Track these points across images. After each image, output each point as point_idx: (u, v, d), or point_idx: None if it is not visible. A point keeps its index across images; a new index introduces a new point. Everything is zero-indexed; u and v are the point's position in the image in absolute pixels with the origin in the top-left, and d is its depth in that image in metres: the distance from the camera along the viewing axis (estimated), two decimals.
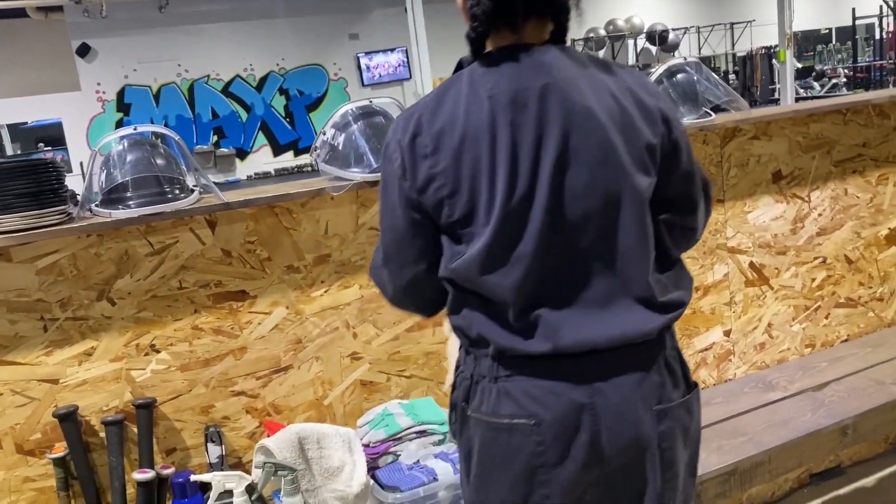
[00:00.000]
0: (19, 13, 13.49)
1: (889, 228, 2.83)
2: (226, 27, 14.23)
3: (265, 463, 1.64)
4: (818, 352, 2.75)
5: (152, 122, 14.46)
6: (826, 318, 2.76)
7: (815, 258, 2.70)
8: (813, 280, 2.71)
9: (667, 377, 1.21)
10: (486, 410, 1.18)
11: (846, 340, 2.81)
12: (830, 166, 2.67)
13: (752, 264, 2.58)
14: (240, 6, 14.07)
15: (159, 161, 1.80)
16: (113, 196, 1.76)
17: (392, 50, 15.25)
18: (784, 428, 2.22)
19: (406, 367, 2.10)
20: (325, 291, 1.98)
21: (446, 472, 1.76)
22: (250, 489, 1.66)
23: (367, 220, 2.00)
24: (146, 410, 1.80)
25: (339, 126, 1.95)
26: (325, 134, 1.95)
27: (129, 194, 1.75)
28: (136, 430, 1.81)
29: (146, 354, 1.82)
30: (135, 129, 1.81)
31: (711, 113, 2.35)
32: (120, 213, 1.72)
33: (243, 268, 1.89)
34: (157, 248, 1.80)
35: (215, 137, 15.24)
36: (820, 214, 2.68)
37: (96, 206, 1.77)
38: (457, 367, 1.28)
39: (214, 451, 1.87)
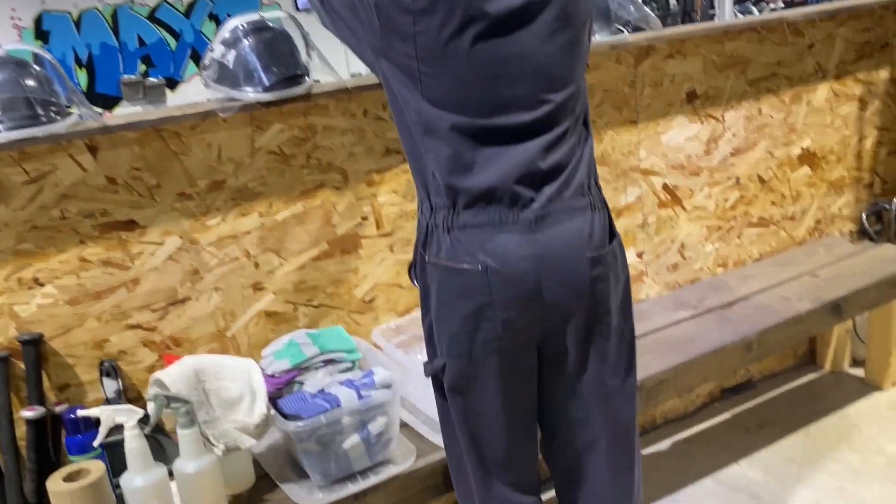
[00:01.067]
0: None
1: (802, 148, 2.86)
2: None
3: (156, 395, 1.59)
4: (730, 271, 2.80)
5: (74, 52, 13.77)
6: (738, 237, 2.80)
7: (729, 178, 2.72)
8: (726, 200, 2.73)
9: (597, 226, 1.37)
10: (443, 256, 1.36)
11: (758, 260, 2.87)
12: (745, 85, 2.66)
13: (665, 186, 2.58)
14: None
15: (30, 82, 1.67)
16: None
17: None
18: (690, 345, 2.26)
19: (314, 296, 2.06)
20: (222, 220, 1.90)
21: (350, 399, 1.74)
22: (144, 422, 1.61)
23: (264, 143, 1.92)
24: (32, 346, 1.73)
25: (228, 42, 1.83)
26: (213, 51, 1.84)
27: None
28: (23, 366, 1.73)
29: (30, 288, 1.73)
30: None
31: (624, 30, 2.30)
32: None
33: (130, 196, 1.79)
34: (33, 175, 1.69)
35: (143, 67, 14.57)
36: (734, 135, 2.68)
37: None
38: (418, 218, 1.45)
39: (111, 385, 1.81)
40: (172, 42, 15.13)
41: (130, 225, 1.81)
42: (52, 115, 1.67)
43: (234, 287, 1.95)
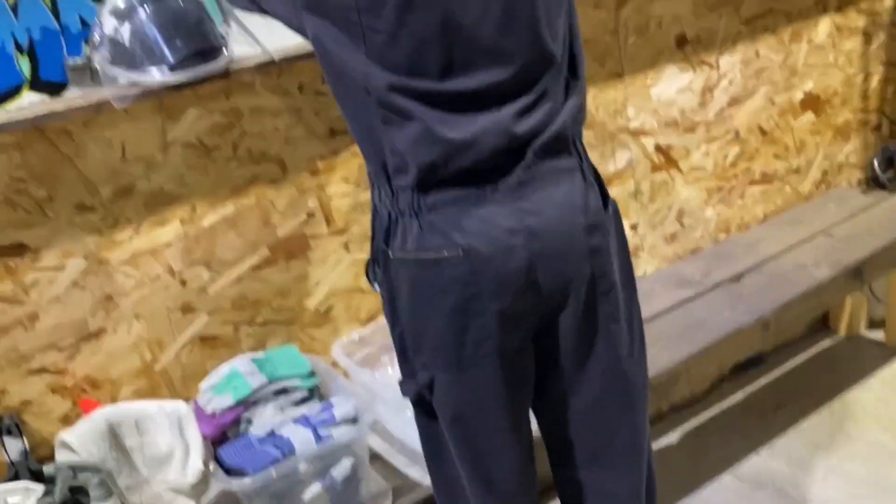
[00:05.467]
0: None
1: (804, 92, 2.55)
2: None
3: (58, 467, 1.27)
4: (734, 236, 2.51)
5: (14, 38, 13.13)
6: (741, 197, 2.51)
7: (727, 132, 2.41)
8: (725, 157, 2.43)
9: (589, 190, 1.18)
10: (411, 247, 1.14)
11: (763, 220, 2.58)
12: (739, 25, 2.33)
13: (658, 147, 2.27)
14: None
15: None
16: None
17: None
18: (701, 330, 1.98)
19: (257, 312, 1.73)
20: (135, 232, 1.56)
21: (306, 442, 1.44)
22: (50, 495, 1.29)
23: (179, 135, 1.57)
24: None
25: (120, 14, 1.47)
26: (102, 25, 1.48)
27: None
28: None
29: None
30: None
31: None
32: None
33: (15, 213, 1.45)
34: None
35: (88, 49, 13.94)
36: (730, 82, 2.37)
37: None
38: (373, 211, 1.21)
39: (14, 445, 1.48)
40: None
41: (19, 249, 1.46)
42: None
43: (159, 311, 1.62)
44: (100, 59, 1.50)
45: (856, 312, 2.72)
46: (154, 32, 1.45)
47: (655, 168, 2.26)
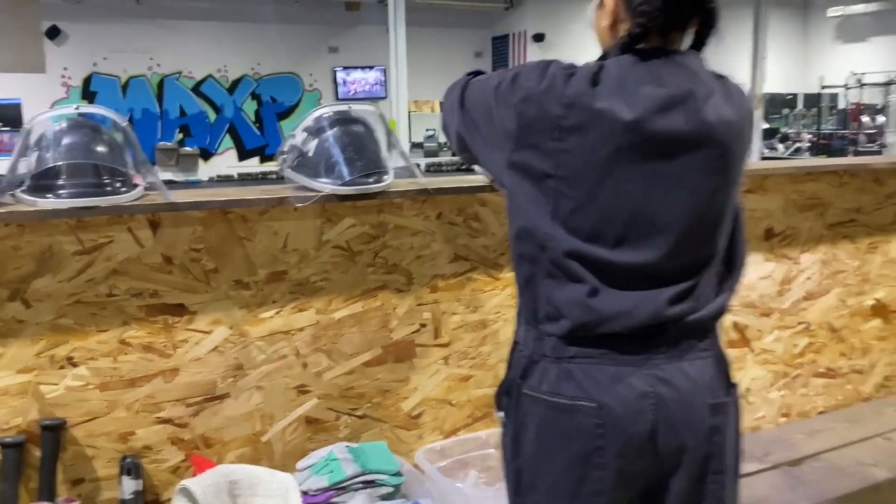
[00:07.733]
0: None
1: (875, 299, 2.71)
2: (203, 25, 13.92)
3: None
4: (793, 422, 2.60)
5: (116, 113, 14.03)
6: (804, 387, 2.62)
7: (799, 323, 2.57)
8: (795, 346, 2.57)
9: (718, 371, 1.25)
10: (547, 389, 1.20)
11: (822, 412, 2.67)
12: (823, 229, 2.55)
13: (735, 324, 2.43)
14: (219, 6, 13.79)
15: (101, 148, 1.57)
16: (42, 182, 1.52)
17: (370, 67, 15.11)
18: None
19: (359, 405, 1.89)
20: (277, 313, 1.76)
21: None
22: None
23: (332, 237, 1.80)
24: (53, 433, 1.56)
25: (311, 130, 1.74)
26: (294, 138, 1.74)
27: (61, 182, 1.52)
28: (38, 454, 1.56)
29: (61, 367, 1.58)
30: (76, 108, 1.58)
31: None
32: (47, 203, 1.49)
33: (185, 278, 1.66)
34: (87, 246, 1.57)
35: (180, 135, 14.83)
36: (808, 278, 2.55)
37: (21, 191, 1.53)
38: (514, 346, 1.29)
39: (130, 485, 1.62)
40: (212, 115, 15.50)
41: (179, 309, 1.67)
42: (118, 185, 1.56)
43: (278, 387, 1.79)
44: (284, 163, 1.75)
45: None
46: (337, 151, 1.71)
47: (731, 344, 2.41)
